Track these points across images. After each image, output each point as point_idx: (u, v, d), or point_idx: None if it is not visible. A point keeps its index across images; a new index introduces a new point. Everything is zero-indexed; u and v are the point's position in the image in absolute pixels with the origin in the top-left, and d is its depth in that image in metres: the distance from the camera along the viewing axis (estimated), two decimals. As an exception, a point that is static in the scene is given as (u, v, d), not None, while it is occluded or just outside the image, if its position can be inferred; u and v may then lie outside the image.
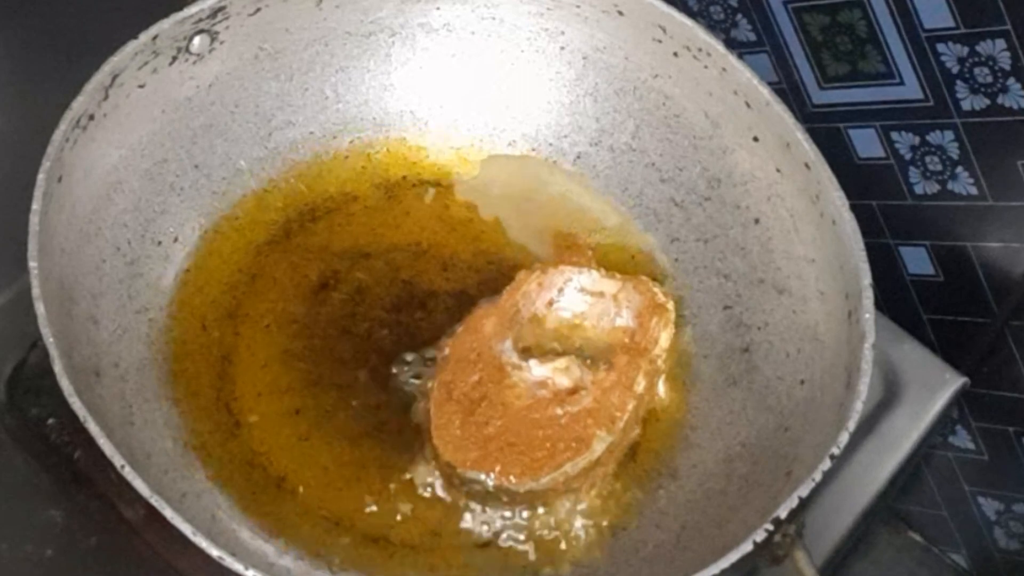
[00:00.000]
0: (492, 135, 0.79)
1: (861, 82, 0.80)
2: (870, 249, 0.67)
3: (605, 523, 0.68)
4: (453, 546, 0.66)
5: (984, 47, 0.73)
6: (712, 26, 0.85)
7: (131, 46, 0.66)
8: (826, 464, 0.61)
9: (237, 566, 0.56)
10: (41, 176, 0.62)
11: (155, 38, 0.67)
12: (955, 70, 0.75)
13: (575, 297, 0.71)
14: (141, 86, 0.68)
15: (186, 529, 0.56)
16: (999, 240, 0.80)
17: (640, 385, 0.68)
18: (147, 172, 0.70)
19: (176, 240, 0.72)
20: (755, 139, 0.73)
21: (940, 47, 0.75)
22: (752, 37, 0.84)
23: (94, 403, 0.60)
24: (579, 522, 0.67)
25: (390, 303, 0.73)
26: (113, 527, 0.66)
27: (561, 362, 0.69)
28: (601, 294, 0.70)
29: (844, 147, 0.83)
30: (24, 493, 0.69)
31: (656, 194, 0.77)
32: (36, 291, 0.60)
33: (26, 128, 0.67)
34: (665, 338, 0.70)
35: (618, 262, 0.75)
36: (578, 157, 0.78)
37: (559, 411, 0.67)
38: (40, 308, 0.59)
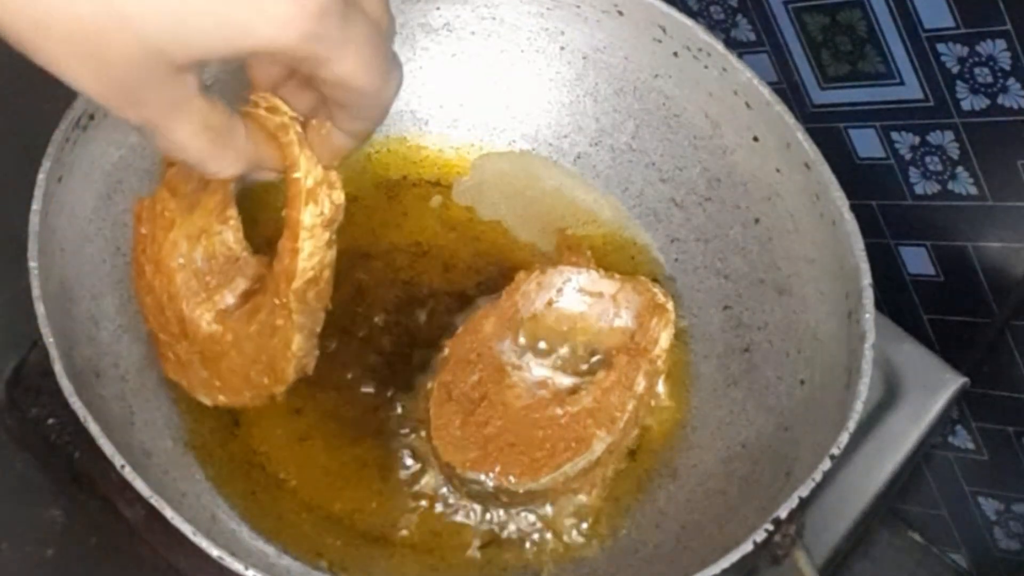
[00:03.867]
0: (492, 135, 0.79)
1: (861, 82, 0.80)
2: (870, 249, 0.67)
3: (605, 523, 0.68)
4: (453, 546, 0.66)
5: (984, 47, 0.73)
6: (712, 26, 0.85)
7: (131, 46, 0.66)
8: (826, 464, 0.61)
9: (237, 566, 0.56)
10: (41, 176, 0.62)
11: (155, 38, 0.67)
12: (955, 70, 0.75)
13: (574, 297, 0.71)
14: (141, 86, 0.68)
15: (186, 529, 0.56)
16: (999, 240, 0.80)
17: (640, 385, 0.68)
18: (147, 172, 0.70)
19: (176, 240, 0.72)
20: (755, 139, 0.73)
21: (940, 47, 0.75)
22: (752, 37, 0.84)
23: (94, 403, 0.60)
24: (579, 522, 0.67)
25: (390, 303, 0.73)
26: (113, 527, 0.66)
27: (561, 362, 0.69)
28: (600, 294, 0.70)
29: (844, 147, 0.83)
30: (24, 493, 0.69)
31: (656, 194, 0.77)
32: (36, 291, 0.60)
33: (26, 128, 0.66)
34: (665, 338, 0.70)
35: (618, 262, 0.75)
36: (578, 157, 0.78)
37: (559, 411, 0.67)
38: (40, 308, 0.59)
